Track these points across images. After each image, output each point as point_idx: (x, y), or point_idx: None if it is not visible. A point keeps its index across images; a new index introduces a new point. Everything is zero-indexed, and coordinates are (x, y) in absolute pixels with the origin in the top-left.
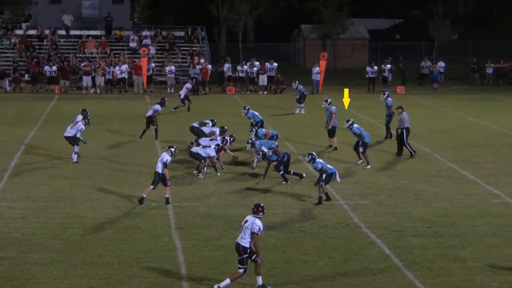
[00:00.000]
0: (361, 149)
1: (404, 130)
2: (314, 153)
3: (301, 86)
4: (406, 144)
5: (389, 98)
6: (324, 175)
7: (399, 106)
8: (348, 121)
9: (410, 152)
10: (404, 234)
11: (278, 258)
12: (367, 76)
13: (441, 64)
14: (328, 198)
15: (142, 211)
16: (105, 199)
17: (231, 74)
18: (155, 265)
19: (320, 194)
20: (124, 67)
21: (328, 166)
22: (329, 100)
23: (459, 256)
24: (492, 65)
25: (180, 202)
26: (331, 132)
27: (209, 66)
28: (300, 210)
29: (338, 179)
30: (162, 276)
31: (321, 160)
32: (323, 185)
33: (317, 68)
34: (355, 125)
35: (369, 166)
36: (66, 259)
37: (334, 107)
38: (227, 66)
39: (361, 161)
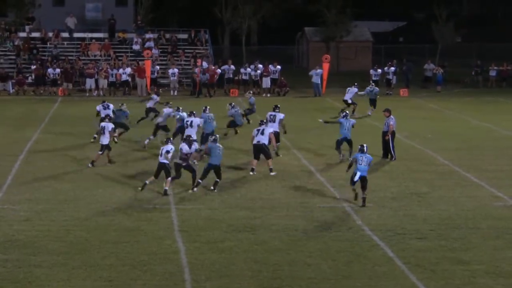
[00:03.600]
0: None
1: (390, 135)
2: (365, 146)
3: (377, 89)
4: (392, 147)
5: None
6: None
7: (386, 109)
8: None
9: (392, 156)
10: (408, 236)
11: (282, 261)
12: (371, 81)
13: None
14: (356, 198)
15: (145, 214)
16: (109, 201)
17: (231, 76)
18: (159, 267)
19: (364, 195)
20: (128, 69)
21: (361, 165)
22: (232, 103)
23: (462, 258)
24: (495, 67)
25: (183, 205)
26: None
27: (218, 71)
28: (303, 212)
29: (356, 178)
30: (165, 278)
31: (360, 156)
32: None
33: (318, 70)
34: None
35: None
36: (70, 262)
37: (235, 110)
38: (226, 67)
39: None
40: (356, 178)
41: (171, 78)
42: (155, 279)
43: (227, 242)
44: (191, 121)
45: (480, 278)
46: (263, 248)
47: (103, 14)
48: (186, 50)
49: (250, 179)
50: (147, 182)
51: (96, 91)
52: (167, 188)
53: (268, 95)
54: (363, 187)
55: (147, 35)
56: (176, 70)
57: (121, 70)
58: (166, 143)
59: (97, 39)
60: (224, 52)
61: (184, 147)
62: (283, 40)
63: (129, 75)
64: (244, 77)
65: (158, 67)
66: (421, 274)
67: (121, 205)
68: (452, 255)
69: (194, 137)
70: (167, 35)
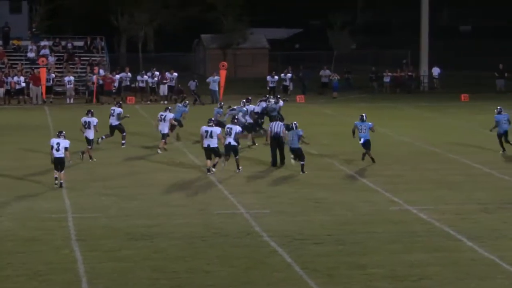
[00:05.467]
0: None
1: (273, 139)
2: (364, 115)
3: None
4: (272, 152)
5: None
6: None
7: None
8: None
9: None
10: (306, 242)
11: (180, 268)
12: (267, 87)
13: (437, 70)
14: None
15: (42, 223)
16: (4, 211)
17: (128, 83)
18: (56, 277)
19: (370, 155)
20: (22, 77)
21: (361, 133)
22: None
23: (360, 263)
24: (389, 74)
25: (80, 213)
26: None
27: (117, 77)
28: (202, 219)
29: (361, 142)
30: None
31: (360, 124)
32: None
33: (216, 77)
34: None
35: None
36: None
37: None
38: (124, 75)
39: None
40: (361, 141)
41: (67, 86)
42: None
43: (125, 250)
44: (165, 116)
45: (377, 282)
46: (162, 256)
47: None
48: (82, 58)
49: (148, 187)
50: (62, 182)
51: None
52: (62, 181)
53: (165, 102)
54: (367, 148)
55: (42, 43)
56: (72, 78)
57: (15, 78)
58: (58, 137)
59: None
60: (121, 60)
61: (235, 127)
62: (180, 47)
63: (24, 82)
64: (141, 84)
65: (53, 74)
66: (319, 279)
67: (16, 215)
68: (349, 260)
69: (165, 131)
70: (63, 43)
